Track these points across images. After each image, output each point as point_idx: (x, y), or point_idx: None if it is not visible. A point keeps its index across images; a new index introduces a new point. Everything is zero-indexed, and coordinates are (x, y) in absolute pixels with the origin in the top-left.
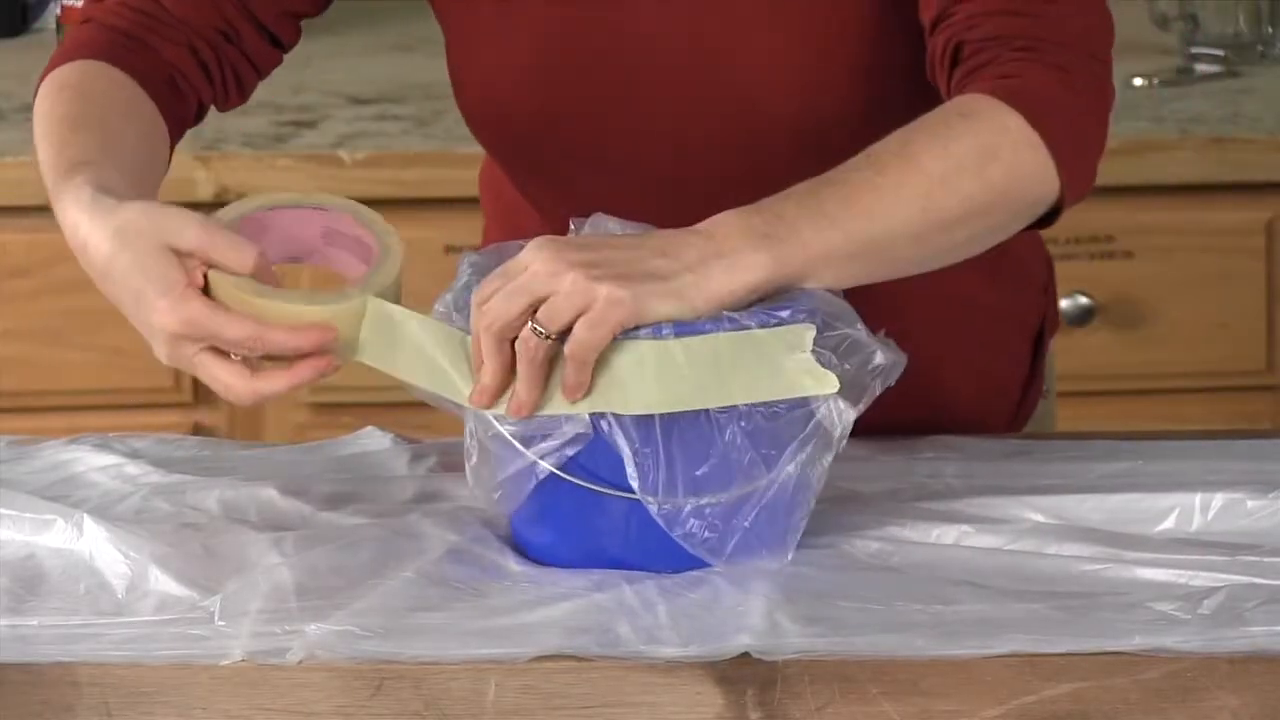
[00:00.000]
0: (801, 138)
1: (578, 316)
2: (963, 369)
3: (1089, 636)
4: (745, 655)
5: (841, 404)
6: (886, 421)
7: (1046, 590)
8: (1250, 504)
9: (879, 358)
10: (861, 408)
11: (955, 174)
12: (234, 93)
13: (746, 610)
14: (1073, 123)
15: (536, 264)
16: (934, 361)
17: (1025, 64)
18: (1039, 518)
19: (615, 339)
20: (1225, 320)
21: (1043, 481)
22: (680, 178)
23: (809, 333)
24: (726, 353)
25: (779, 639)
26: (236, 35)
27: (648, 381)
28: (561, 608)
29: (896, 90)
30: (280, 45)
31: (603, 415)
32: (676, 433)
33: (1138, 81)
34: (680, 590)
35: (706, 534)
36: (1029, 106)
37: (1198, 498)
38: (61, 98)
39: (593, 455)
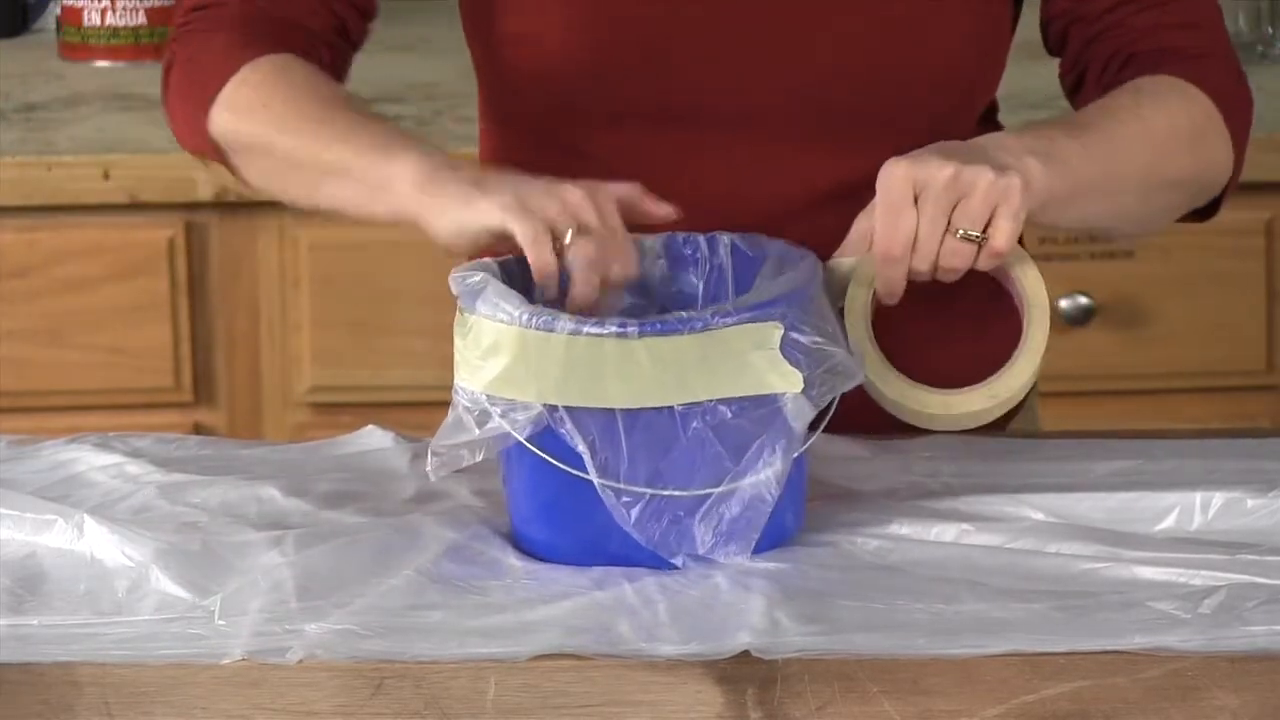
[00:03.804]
0: (884, 103)
1: (993, 211)
2: (957, 339)
3: (1089, 636)
4: (745, 654)
5: (806, 403)
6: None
7: (1046, 590)
8: (1250, 503)
9: (842, 362)
10: (823, 404)
11: (1175, 143)
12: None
13: (747, 609)
14: (1247, 124)
15: (938, 173)
16: (930, 333)
17: (1207, 68)
18: (1039, 516)
19: (576, 334)
20: (1225, 320)
21: (1043, 481)
22: (742, 133)
23: (776, 331)
24: (691, 352)
25: (779, 638)
26: (344, 29)
27: (608, 377)
28: (562, 606)
29: (961, 73)
30: (369, 19)
31: (555, 408)
32: (639, 425)
33: None
34: (680, 588)
35: (666, 530)
36: (1225, 104)
37: (1198, 497)
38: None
39: (558, 439)
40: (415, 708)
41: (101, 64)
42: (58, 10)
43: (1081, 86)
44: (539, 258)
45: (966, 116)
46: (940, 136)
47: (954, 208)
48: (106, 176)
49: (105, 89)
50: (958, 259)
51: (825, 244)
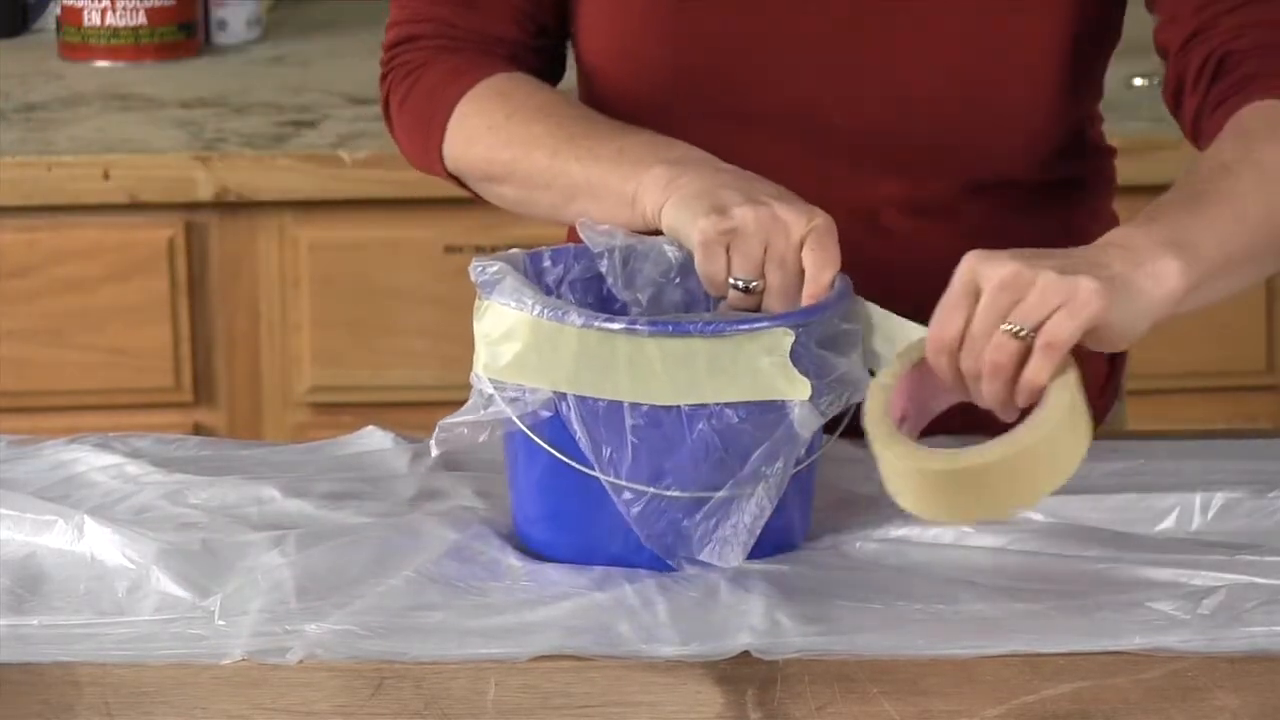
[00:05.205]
0: (967, 129)
1: (1052, 311)
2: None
3: (1089, 636)
4: (745, 654)
5: (813, 410)
6: (972, 418)
7: (1046, 590)
8: (1250, 504)
9: (854, 373)
10: (831, 414)
11: None
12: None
13: (747, 609)
14: None
15: (998, 273)
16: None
17: None
18: (1039, 517)
19: (588, 327)
20: (1225, 320)
21: None
22: (821, 144)
23: (787, 338)
24: (702, 353)
25: (779, 638)
26: (545, 30)
27: (619, 371)
28: (562, 606)
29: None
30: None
31: (564, 398)
32: (645, 424)
33: (1138, 81)
34: (680, 589)
35: (665, 530)
36: None
37: (1198, 498)
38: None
39: (562, 431)
40: (415, 708)
41: (101, 64)
42: (58, 10)
43: (1181, 98)
44: (713, 290)
45: (1041, 148)
46: (1014, 165)
47: (1013, 307)
48: (106, 176)
49: (105, 89)
50: (999, 353)
51: (892, 263)
